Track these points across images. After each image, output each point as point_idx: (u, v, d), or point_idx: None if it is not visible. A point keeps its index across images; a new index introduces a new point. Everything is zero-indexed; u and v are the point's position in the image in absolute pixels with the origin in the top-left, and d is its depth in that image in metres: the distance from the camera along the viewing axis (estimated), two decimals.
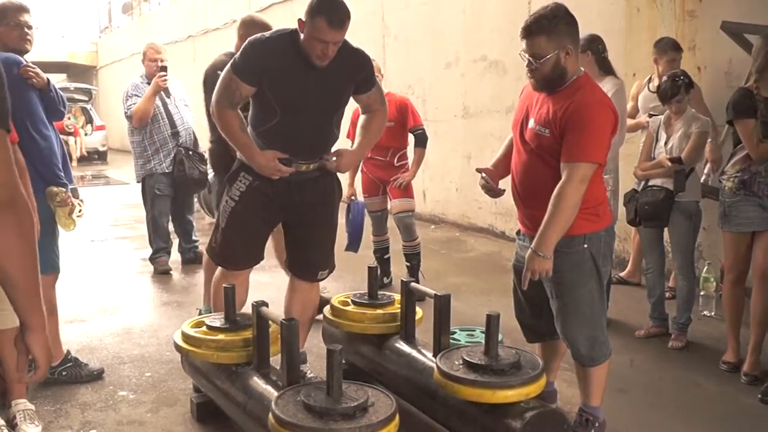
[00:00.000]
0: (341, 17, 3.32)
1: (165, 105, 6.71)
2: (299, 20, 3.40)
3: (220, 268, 3.77)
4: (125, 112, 6.69)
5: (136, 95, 6.64)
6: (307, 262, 3.80)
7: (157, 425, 3.64)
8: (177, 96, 6.86)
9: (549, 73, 3.09)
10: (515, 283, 3.49)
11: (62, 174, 4.03)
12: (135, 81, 6.81)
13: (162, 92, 6.66)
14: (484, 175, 3.46)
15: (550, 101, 3.13)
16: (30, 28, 3.96)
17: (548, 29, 3.05)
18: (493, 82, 8.27)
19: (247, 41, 3.52)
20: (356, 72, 3.61)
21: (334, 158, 3.69)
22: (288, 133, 3.52)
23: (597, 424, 3.32)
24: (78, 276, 4.40)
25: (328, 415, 2.59)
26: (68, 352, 4.18)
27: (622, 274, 6.07)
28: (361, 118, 3.88)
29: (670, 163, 4.54)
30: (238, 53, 3.50)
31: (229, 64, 3.51)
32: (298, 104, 3.49)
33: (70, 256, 4.34)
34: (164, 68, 6.63)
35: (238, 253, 3.71)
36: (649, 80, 5.59)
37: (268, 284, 4.96)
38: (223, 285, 3.52)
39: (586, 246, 3.16)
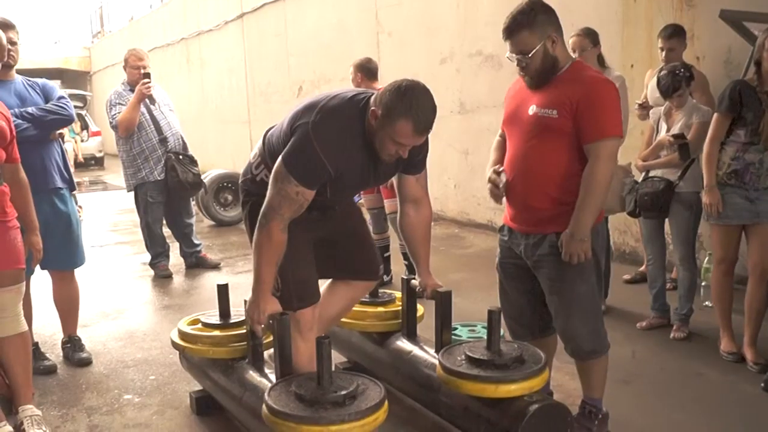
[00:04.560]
0: (428, 121, 2.83)
1: (150, 112, 6.63)
2: (372, 110, 2.83)
3: (294, 334, 3.12)
4: (110, 122, 6.62)
5: (120, 104, 6.56)
6: (364, 259, 3.48)
7: (162, 427, 3.65)
8: (162, 102, 6.77)
9: (540, 65, 3.08)
10: (501, 281, 3.48)
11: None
12: (117, 89, 6.72)
13: (146, 99, 6.56)
14: (502, 179, 3.30)
15: (551, 88, 3.10)
16: (14, 44, 3.97)
17: (528, 23, 3.04)
18: (490, 76, 8.26)
19: (314, 138, 2.81)
20: (414, 154, 3.06)
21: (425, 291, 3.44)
22: (326, 202, 3.14)
23: (600, 416, 3.34)
24: (80, 281, 4.42)
25: (319, 403, 2.64)
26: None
27: (642, 269, 5.89)
28: (406, 221, 3.38)
29: (672, 139, 4.54)
30: (296, 153, 2.85)
31: (285, 170, 2.84)
32: (351, 189, 3.32)
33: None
34: (147, 75, 6.54)
35: (302, 287, 3.18)
36: (660, 70, 5.55)
37: None
38: (218, 284, 3.59)
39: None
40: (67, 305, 4.47)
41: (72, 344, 4.54)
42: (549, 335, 3.47)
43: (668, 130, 4.69)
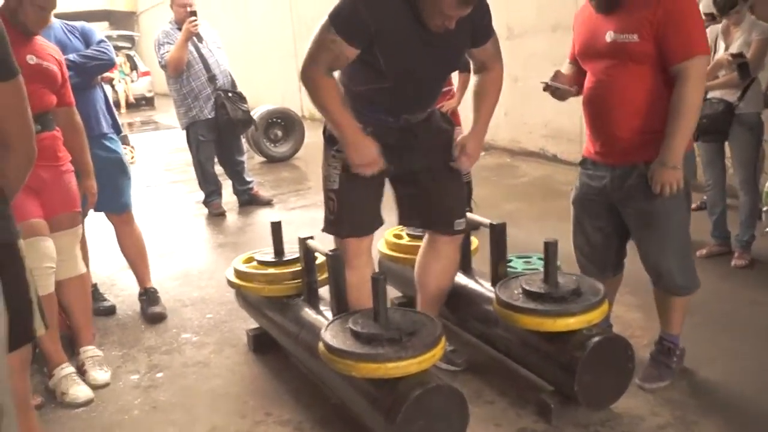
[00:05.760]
0: None
1: (198, 50, 6.58)
2: None
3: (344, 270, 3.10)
4: (159, 62, 6.62)
5: (168, 42, 6.53)
6: (441, 211, 3.24)
7: (221, 365, 3.70)
8: (209, 39, 6.72)
9: None
10: (578, 217, 3.34)
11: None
12: (165, 28, 6.67)
13: (194, 37, 6.51)
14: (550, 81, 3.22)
15: (625, 11, 2.90)
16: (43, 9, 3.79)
17: None
18: None
19: None
20: (476, 22, 2.91)
21: (460, 155, 3.17)
22: (396, 97, 2.99)
23: (678, 352, 3.28)
24: (137, 220, 4.45)
25: (376, 340, 2.63)
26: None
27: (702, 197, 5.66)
28: (475, 81, 3.22)
29: (731, 58, 4.35)
30: (340, 5, 2.79)
31: (327, 20, 2.79)
32: (414, 73, 2.95)
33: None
34: (194, 12, 6.46)
35: (358, 217, 3.11)
36: None
37: (313, 220, 4.95)
38: (271, 222, 3.56)
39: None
40: (134, 252, 4.43)
41: (147, 297, 4.47)
42: (619, 274, 3.40)
43: (726, 48, 4.50)
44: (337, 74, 2.97)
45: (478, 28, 2.96)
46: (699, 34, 2.87)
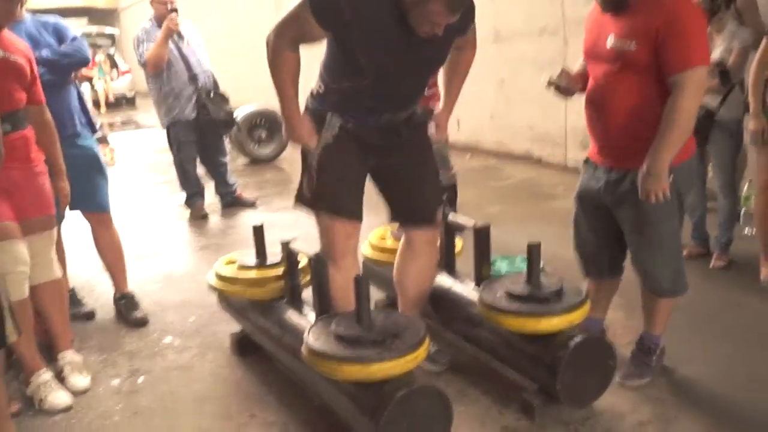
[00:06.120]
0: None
1: (179, 49, 6.50)
2: None
3: (330, 271, 3.11)
4: (138, 60, 6.52)
5: (147, 41, 6.43)
6: (420, 201, 3.24)
7: (204, 369, 3.68)
8: (190, 37, 6.65)
9: None
10: (577, 215, 3.37)
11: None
12: (144, 25, 6.58)
13: (175, 35, 6.43)
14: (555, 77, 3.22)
15: (630, 13, 2.88)
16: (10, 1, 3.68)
17: None
18: (526, 2, 8.04)
19: None
20: (462, 21, 2.86)
21: (436, 130, 3.33)
22: (376, 96, 2.97)
23: (658, 351, 3.31)
24: (117, 223, 4.39)
25: (359, 342, 2.63)
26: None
27: None
28: (452, 57, 3.18)
29: (713, 66, 4.35)
30: None
31: None
32: (394, 73, 2.92)
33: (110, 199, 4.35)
34: (174, 10, 6.39)
35: (338, 194, 3.08)
36: None
37: (297, 222, 4.95)
38: (253, 226, 3.56)
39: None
40: (111, 255, 4.36)
41: (126, 301, 4.40)
42: (618, 275, 3.42)
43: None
44: (318, 68, 3.02)
45: (464, 20, 2.90)
46: (699, 44, 2.83)
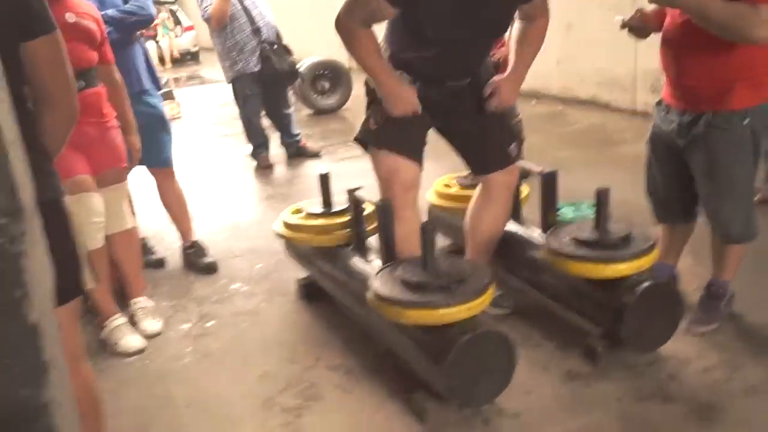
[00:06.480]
0: None
1: (242, 2, 6.52)
2: None
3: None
4: (202, 15, 6.56)
5: None
6: (491, 150, 3.21)
7: (271, 314, 3.74)
8: None
9: None
10: (649, 158, 3.30)
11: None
12: None
13: None
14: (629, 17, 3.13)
15: None
16: None
17: None
18: None
19: None
20: None
21: (491, 95, 3.10)
22: (443, 62, 2.98)
23: (727, 297, 3.24)
24: (186, 175, 4.47)
25: (424, 288, 2.63)
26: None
27: None
28: (517, 28, 3.14)
29: None
30: None
31: None
32: (461, 39, 2.90)
33: (174, 156, 4.42)
34: None
35: (402, 135, 3.03)
36: None
37: (362, 172, 4.94)
38: (320, 174, 3.56)
39: (747, 121, 2.85)
40: (176, 207, 4.46)
41: (195, 250, 4.48)
42: (692, 221, 3.34)
43: None
44: (380, 37, 2.97)
45: None
46: None
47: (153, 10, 4.22)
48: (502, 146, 3.22)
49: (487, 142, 3.21)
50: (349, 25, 2.85)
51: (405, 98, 2.96)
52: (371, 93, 3.12)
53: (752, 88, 2.86)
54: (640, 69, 7.52)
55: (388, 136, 3.04)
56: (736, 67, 2.81)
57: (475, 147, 3.24)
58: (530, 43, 3.13)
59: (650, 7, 3.15)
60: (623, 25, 3.17)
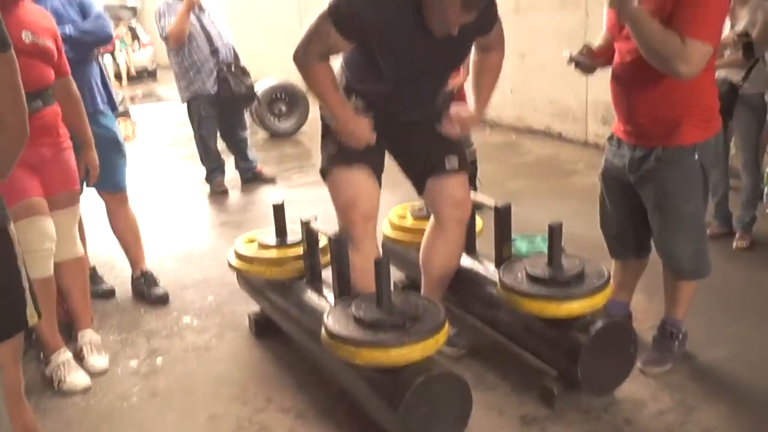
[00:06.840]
0: None
1: (200, 22, 6.45)
2: None
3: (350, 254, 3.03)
4: (160, 33, 6.48)
5: (169, 14, 6.38)
6: (431, 153, 3.15)
7: (222, 350, 3.67)
8: (211, 11, 6.59)
9: None
10: (603, 194, 3.32)
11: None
12: None
13: (196, 8, 6.38)
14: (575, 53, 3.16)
15: None
16: None
17: None
18: None
19: None
20: (482, 15, 2.77)
21: (451, 125, 3.13)
22: (397, 96, 2.99)
23: (680, 337, 3.26)
24: (137, 198, 4.37)
25: (378, 326, 2.60)
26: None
27: None
28: (476, 59, 3.16)
29: (736, 38, 4.26)
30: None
31: (326, 10, 2.74)
32: (415, 73, 2.93)
33: (128, 177, 4.34)
34: None
35: (358, 152, 3.02)
36: None
37: (317, 198, 4.91)
38: (273, 204, 3.53)
39: (696, 157, 2.90)
40: (128, 234, 4.34)
41: (145, 280, 4.36)
42: (644, 257, 3.37)
43: (732, 28, 4.40)
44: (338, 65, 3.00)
45: (484, 19, 2.85)
46: (703, 20, 2.67)
47: (111, 29, 4.16)
48: (439, 154, 3.16)
49: (427, 152, 3.18)
50: (306, 61, 2.86)
51: (359, 131, 2.97)
52: (326, 126, 3.11)
53: (699, 124, 2.91)
54: (591, 100, 7.62)
55: (348, 155, 3.04)
56: (683, 104, 2.86)
57: (416, 161, 3.22)
58: (488, 76, 3.18)
59: (597, 43, 3.20)
60: (570, 60, 3.20)
